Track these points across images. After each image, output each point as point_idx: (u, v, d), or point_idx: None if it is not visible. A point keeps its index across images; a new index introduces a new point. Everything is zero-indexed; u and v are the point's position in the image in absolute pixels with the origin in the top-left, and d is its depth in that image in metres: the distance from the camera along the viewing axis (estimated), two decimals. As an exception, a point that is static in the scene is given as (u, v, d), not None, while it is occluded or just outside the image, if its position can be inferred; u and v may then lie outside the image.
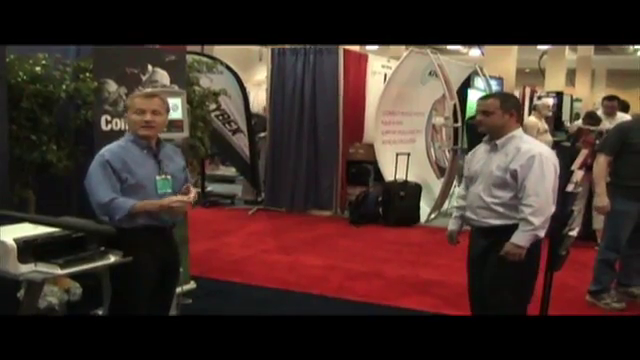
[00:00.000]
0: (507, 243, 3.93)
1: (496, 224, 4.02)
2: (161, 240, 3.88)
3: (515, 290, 4.06)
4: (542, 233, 3.94)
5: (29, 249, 3.34)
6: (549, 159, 3.95)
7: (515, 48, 17.90)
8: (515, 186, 3.93)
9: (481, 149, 4.23)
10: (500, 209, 4.00)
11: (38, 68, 4.85)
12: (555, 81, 23.84)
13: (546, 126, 11.15)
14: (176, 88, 5.19)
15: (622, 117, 9.32)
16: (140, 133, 3.76)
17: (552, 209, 3.96)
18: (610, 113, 9.69)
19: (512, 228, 3.94)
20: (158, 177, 3.79)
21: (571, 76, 27.46)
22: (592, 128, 8.08)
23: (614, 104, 9.87)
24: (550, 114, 12.76)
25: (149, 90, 4.53)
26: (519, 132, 4.08)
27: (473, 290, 4.31)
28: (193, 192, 3.91)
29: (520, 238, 3.91)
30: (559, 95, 18.41)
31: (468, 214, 4.21)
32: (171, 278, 4.08)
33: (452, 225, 4.47)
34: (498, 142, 4.04)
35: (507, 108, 4.04)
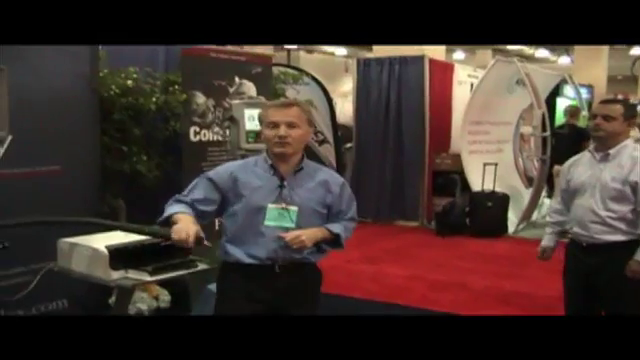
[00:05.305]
0: (631, 261, 3.70)
1: (612, 240, 3.78)
2: (262, 282, 3.16)
3: None
4: None
5: (120, 256, 3.45)
6: None
7: (605, 55, 17.48)
8: (634, 199, 3.73)
9: (584, 159, 4.00)
10: (618, 224, 3.76)
11: (129, 82, 5.01)
12: (650, 88, 23.11)
13: (640, 135, 10.79)
14: (262, 99, 5.28)
15: None
16: (274, 151, 3.15)
17: None
18: None
19: (630, 244, 3.73)
20: (272, 205, 3.11)
21: (667, 83, 26.54)
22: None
23: None
24: (645, 123, 12.27)
25: (286, 99, 4.29)
26: (630, 142, 3.87)
27: (573, 307, 4.07)
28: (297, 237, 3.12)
29: None
30: (654, 103, 17.80)
31: (576, 229, 3.95)
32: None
33: (547, 241, 4.24)
34: (611, 151, 3.82)
35: (628, 117, 3.85)
